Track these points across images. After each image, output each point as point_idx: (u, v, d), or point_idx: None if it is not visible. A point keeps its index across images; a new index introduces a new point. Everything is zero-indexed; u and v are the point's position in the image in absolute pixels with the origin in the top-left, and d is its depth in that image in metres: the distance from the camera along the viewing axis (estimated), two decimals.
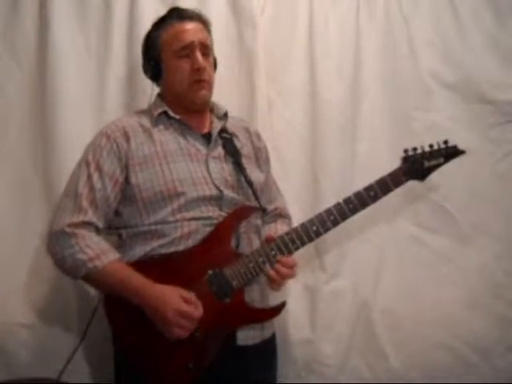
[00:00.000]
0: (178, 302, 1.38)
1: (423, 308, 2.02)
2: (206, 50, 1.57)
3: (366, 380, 1.99)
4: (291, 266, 1.50)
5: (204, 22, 1.61)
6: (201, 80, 1.54)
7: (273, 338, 1.65)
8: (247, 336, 1.52)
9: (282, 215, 1.77)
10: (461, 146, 1.97)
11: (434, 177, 2.03)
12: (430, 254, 2.07)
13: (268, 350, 1.63)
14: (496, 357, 2.01)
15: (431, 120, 2.07)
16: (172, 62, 1.55)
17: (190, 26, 1.56)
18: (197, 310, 1.39)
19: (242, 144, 1.66)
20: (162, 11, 1.95)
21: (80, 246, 1.42)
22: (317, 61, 2.03)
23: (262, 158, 1.73)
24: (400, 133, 2.08)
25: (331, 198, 1.98)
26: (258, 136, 1.76)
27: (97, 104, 1.95)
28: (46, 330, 1.85)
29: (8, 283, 1.84)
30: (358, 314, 2.02)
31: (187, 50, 1.53)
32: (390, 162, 2.04)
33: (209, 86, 1.58)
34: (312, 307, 1.99)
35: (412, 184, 2.05)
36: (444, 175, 1.97)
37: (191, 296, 1.41)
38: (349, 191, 2.01)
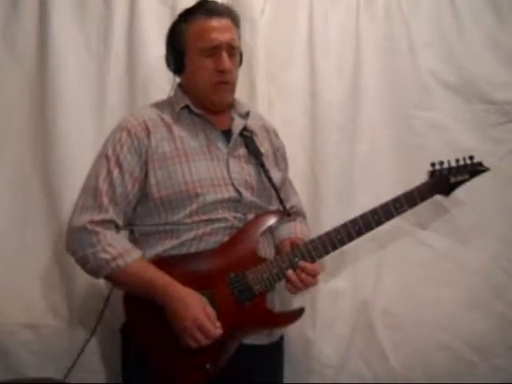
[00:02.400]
0: (199, 314, 1.36)
1: (423, 308, 2.02)
2: (233, 49, 1.51)
3: (365, 380, 1.99)
4: (314, 274, 1.48)
5: (233, 18, 1.53)
6: (224, 82, 1.51)
7: (281, 340, 1.63)
8: (254, 336, 1.50)
9: (298, 213, 1.74)
10: (462, 146, 1.98)
11: None
12: (430, 253, 2.07)
13: (275, 352, 1.61)
14: (496, 357, 2.01)
15: (431, 120, 2.07)
16: (196, 60, 1.50)
17: (219, 23, 1.48)
18: (215, 329, 1.36)
19: (261, 142, 1.63)
20: (163, 11, 1.97)
21: (102, 244, 1.39)
22: (317, 61, 2.03)
23: (279, 156, 1.70)
24: (400, 133, 2.08)
25: (331, 198, 2.00)
26: (276, 134, 1.72)
27: (97, 104, 1.95)
28: (48, 331, 1.85)
29: (9, 283, 1.84)
30: (358, 314, 2.02)
31: (213, 50, 1.48)
32: (390, 162, 2.07)
33: (232, 87, 1.55)
34: (312, 307, 1.98)
35: (411, 183, 2.07)
36: None
37: (212, 313, 1.38)
38: (349, 191, 2.04)
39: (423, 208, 2.05)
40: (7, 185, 1.91)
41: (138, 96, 1.94)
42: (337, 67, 2.04)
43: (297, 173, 2.01)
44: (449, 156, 2.05)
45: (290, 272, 1.45)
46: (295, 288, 1.47)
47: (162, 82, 1.96)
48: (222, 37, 1.48)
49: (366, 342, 2.01)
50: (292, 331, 1.95)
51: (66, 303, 1.90)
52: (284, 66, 2.03)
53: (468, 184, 2.03)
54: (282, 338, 1.64)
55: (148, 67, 1.95)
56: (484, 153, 2.05)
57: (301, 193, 2.00)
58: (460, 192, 2.02)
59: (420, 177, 2.05)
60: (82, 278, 1.86)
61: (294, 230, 1.64)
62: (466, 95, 2.08)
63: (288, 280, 1.47)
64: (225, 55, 1.48)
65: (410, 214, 2.05)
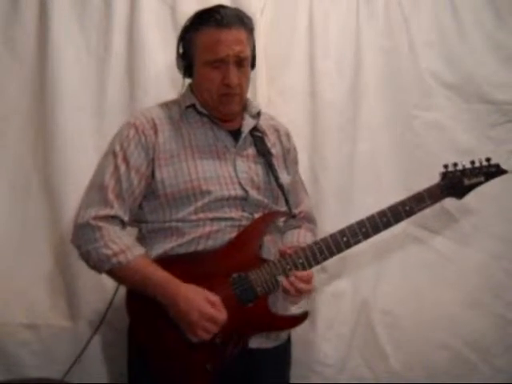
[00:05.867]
0: (203, 304, 1.35)
1: (423, 308, 2.02)
2: (242, 61, 1.47)
3: (366, 380, 1.99)
4: (307, 281, 1.46)
5: (245, 25, 1.49)
6: (230, 94, 1.48)
7: (287, 342, 1.61)
8: (260, 340, 1.48)
9: (307, 219, 1.72)
10: (462, 146, 1.97)
11: (434, 176, 2.05)
12: (430, 253, 2.07)
13: (281, 354, 1.59)
14: (496, 357, 2.02)
15: (431, 120, 2.08)
16: (204, 70, 1.47)
17: (228, 35, 1.43)
18: (221, 314, 1.36)
19: (272, 144, 1.61)
20: (163, 11, 1.97)
21: (105, 240, 1.39)
22: (317, 61, 2.03)
23: (289, 159, 1.67)
24: (400, 133, 2.08)
25: (331, 198, 2.00)
26: (288, 136, 1.69)
27: (97, 104, 1.95)
28: (48, 331, 1.85)
29: (9, 284, 1.84)
30: (359, 314, 2.02)
31: (220, 63, 1.45)
32: (391, 162, 2.07)
33: (240, 98, 1.51)
34: (312, 307, 1.99)
35: (411, 183, 2.07)
36: None
37: (217, 299, 1.37)
38: (349, 191, 2.04)
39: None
40: (7, 185, 1.91)
41: (137, 96, 1.94)
42: (337, 67, 2.04)
43: None
44: (448, 156, 2.06)
45: (284, 281, 1.44)
46: (289, 295, 1.46)
47: (161, 82, 1.96)
48: (231, 50, 1.44)
49: (366, 342, 2.01)
50: (292, 331, 1.95)
51: (66, 303, 1.90)
52: (284, 66, 2.03)
53: None
54: (288, 339, 1.63)
55: (148, 67, 1.95)
56: (484, 153, 2.05)
57: None
58: None
59: (420, 176, 2.06)
60: (83, 278, 1.87)
61: (297, 238, 1.63)
62: (466, 95, 2.08)
63: (283, 289, 1.45)
64: (232, 69, 1.45)
65: None
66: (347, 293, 2.02)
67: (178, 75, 1.96)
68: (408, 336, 2.01)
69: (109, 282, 1.84)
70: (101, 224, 1.40)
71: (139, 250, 1.42)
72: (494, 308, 2.04)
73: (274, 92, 2.03)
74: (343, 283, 2.03)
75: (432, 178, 2.02)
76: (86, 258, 1.43)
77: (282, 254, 1.47)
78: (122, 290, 1.53)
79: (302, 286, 1.44)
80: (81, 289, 1.88)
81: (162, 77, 1.97)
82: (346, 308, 2.02)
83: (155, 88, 1.94)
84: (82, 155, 1.91)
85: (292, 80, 2.03)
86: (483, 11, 2.10)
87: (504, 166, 2.00)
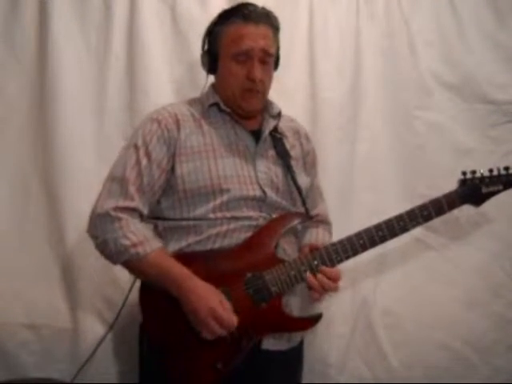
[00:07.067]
0: (216, 304, 1.35)
1: (423, 308, 2.02)
2: (267, 57, 1.49)
3: (365, 380, 1.99)
4: (334, 279, 1.45)
5: (272, 24, 1.51)
6: (253, 90, 1.49)
7: (300, 344, 1.62)
8: (273, 342, 1.49)
9: (323, 222, 1.72)
10: (462, 146, 1.96)
11: (435, 176, 2.06)
12: (430, 253, 2.07)
13: (293, 356, 1.59)
14: (496, 357, 2.02)
15: (431, 120, 2.08)
16: (228, 64, 1.49)
17: (254, 30, 1.46)
18: (230, 318, 1.36)
19: (291, 145, 1.62)
20: (163, 11, 1.97)
21: (124, 231, 1.38)
22: (317, 61, 2.03)
23: (309, 161, 1.68)
24: (400, 133, 2.08)
25: (331, 198, 1.99)
26: (307, 138, 1.70)
27: (97, 104, 1.95)
28: (47, 331, 1.85)
29: (9, 283, 1.84)
30: (358, 314, 2.02)
31: (245, 56, 1.47)
32: (390, 162, 2.07)
33: (262, 95, 1.53)
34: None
35: (411, 183, 2.07)
36: (444, 175, 1.99)
37: (229, 306, 1.37)
38: (349, 191, 2.04)
39: None
40: (7, 185, 1.91)
41: (137, 96, 1.94)
42: (337, 67, 2.04)
43: None
44: (448, 156, 2.07)
45: (309, 276, 1.44)
46: (314, 292, 1.45)
47: (161, 82, 1.97)
48: (256, 44, 1.46)
49: (366, 342, 2.01)
50: None
51: (66, 304, 1.90)
52: (284, 66, 2.02)
53: None
54: (301, 342, 1.63)
55: (148, 67, 1.95)
56: (484, 153, 2.06)
57: None
58: None
59: (420, 176, 2.07)
60: (83, 279, 1.87)
61: (316, 236, 1.63)
62: (466, 95, 2.08)
63: (308, 284, 1.44)
64: (257, 64, 1.47)
65: None
66: (347, 292, 2.02)
67: (178, 75, 1.99)
68: (408, 336, 2.01)
69: (109, 283, 1.85)
70: (121, 215, 1.40)
71: (157, 244, 1.42)
72: (493, 307, 2.04)
73: (274, 92, 2.02)
74: (343, 283, 2.01)
75: (432, 178, 2.05)
76: (103, 247, 1.42)
77: (311, 249, 1.47)
78: (133, 291, 1.54)
79: (326, 281, 1.44)
80: (81, 289, 1.88)
81: (161, 77, 1.97)
82: (345, 308, 2.02)
83: (155, 88, 1.94)
84: (82, 155, 1.91)
85: (292, 80, 2.03)
86: (483, 11, 2.10)
87: (501, 165, 2.00)
